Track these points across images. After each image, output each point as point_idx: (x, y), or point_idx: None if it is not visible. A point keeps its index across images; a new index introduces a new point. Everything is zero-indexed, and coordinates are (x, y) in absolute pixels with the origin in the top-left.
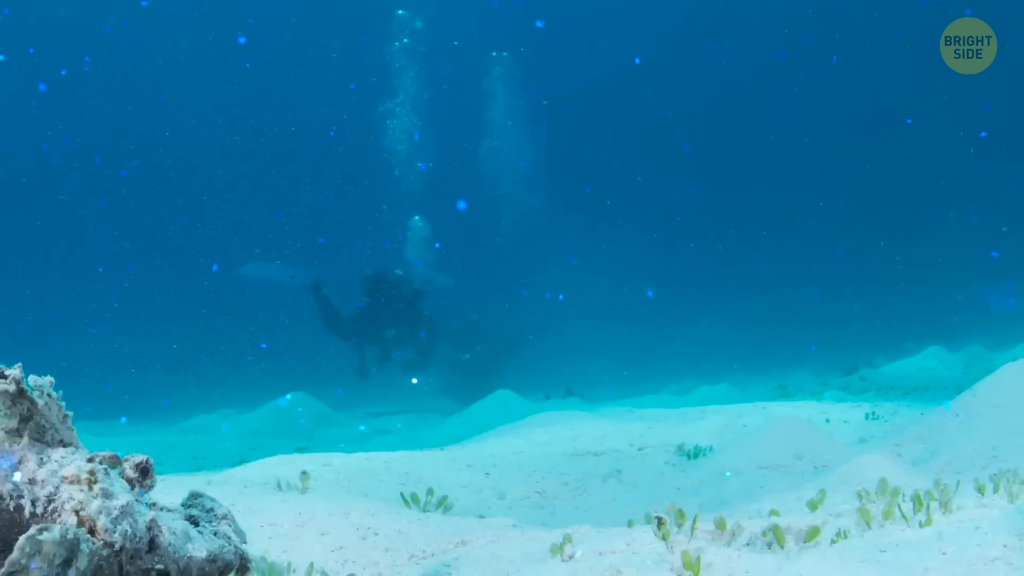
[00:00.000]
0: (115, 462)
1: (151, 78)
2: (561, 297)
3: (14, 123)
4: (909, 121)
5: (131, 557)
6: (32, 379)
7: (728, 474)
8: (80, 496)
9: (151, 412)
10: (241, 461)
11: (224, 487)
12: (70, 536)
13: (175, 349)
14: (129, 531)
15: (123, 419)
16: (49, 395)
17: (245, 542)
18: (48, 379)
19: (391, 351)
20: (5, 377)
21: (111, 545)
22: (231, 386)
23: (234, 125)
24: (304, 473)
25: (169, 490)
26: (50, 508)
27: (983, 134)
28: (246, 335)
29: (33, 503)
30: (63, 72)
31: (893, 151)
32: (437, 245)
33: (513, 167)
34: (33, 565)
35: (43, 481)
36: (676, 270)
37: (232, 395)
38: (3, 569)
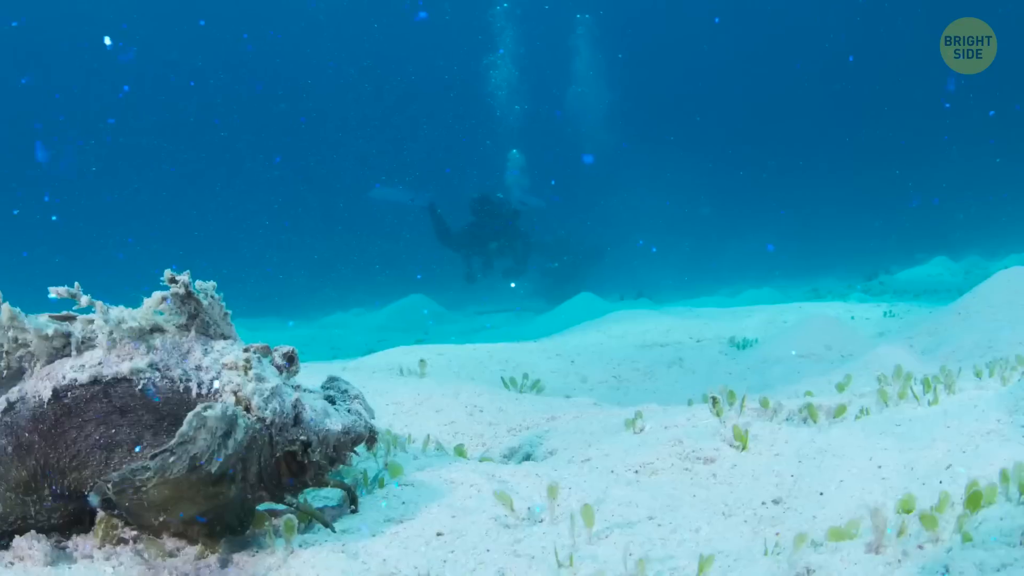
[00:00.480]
0: (266, 351)
1: (301, 39)
2: (654, 249)
3: (209, 76)
4: (949, 90)
5: (279, 430)
6: (198, 283)
7: (794, 352)
8: (237, 380)
9: (297, 311)
10: (370, 351)
11: (356, 372)
12: (229, 413)
13: (315, 259)
14: (278, 408)
15: (290, 322)
16: (212, 296)
17: (373, 418)
18: (211, 283)
19: (493, 261)
20: (176, 282)
21: (263, 420)
22: (361, 289)
23: (364, 75)
24: (422, 361)
25: (311, 375)
26: (212, 390)
27: (991, 113)
28: (375, 247)
29: (199, 385)
30: (245, 35)
31: (912, 91)
32: (553, 182)
33: (593, 110)
34: (200, 436)
35: (207, 367)
36: (729, 192)
37: (362, 297)
38: (174, 440)
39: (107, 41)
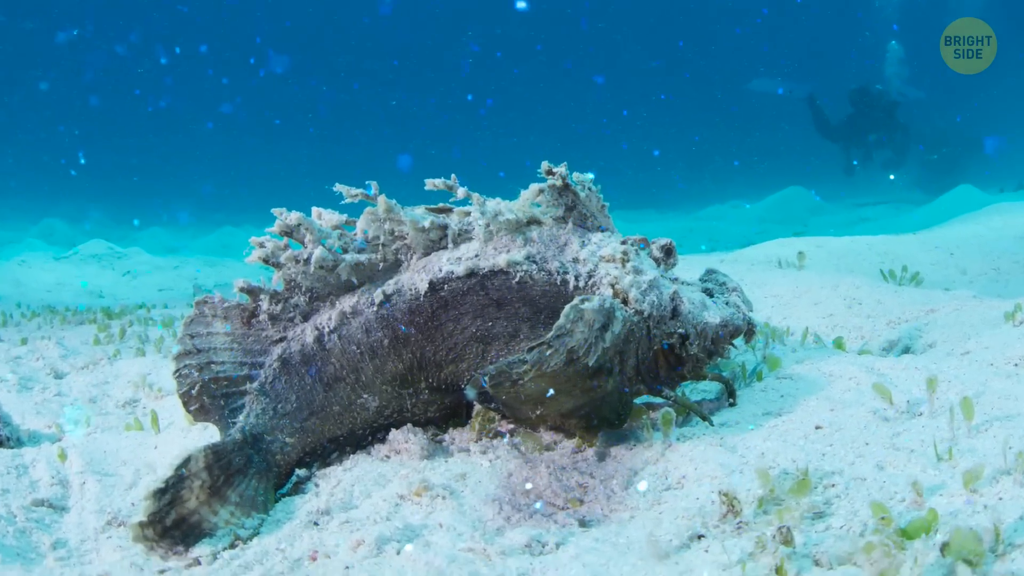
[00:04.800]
0: (644, 244)
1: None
2: None
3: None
4: None
5: (657, 323)
6: (575, 175)
7: None
8: (615, 272)
9: (675, 203)
10: (748, 243)
11: (733, 265)
12: (607, 305)
13: (693, 151)
14: (655, 301)
15: (668, 213)
16: (589, 188)
17: (751, 310)
18: (589, 175)
19: (872, 153)
20: (553, 173)
21: (640, 313)
22: (739, 181)
23: None
24: (800, 253)
25: (688, 268)
26: (590, 282)
27: None
28: (753, 139)
29: (576, 278)
30: None
31: None
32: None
33: None
34: (577, 329)
35: (584, 260)
36: None
37: (740, 189)
38: (551, 332)
39: None
